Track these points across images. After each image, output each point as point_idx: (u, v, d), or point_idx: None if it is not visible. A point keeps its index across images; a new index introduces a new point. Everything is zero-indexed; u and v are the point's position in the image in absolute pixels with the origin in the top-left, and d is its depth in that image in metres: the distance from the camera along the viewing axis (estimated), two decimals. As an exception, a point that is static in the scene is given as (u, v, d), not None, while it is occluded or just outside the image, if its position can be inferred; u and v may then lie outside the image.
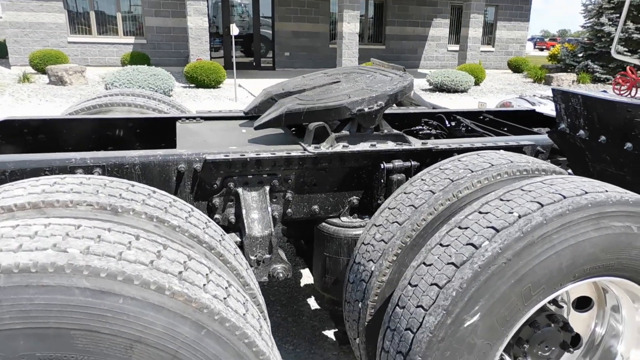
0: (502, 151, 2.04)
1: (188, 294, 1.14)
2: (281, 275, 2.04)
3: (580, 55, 16.15)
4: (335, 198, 2.22)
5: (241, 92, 12.39)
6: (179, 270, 1.19)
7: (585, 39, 16.64)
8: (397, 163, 2.13)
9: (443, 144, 2.25)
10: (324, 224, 2.23)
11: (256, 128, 2.31)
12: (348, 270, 2.01)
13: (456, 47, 21.07)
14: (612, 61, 14.97)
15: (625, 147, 1.87)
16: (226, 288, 1.31)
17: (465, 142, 2.31)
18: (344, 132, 2.17)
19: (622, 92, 4.30)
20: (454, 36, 21.45)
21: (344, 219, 2.24)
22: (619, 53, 5.73)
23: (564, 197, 1.49)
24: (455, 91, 13.13)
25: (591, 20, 15.67)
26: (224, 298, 1.25)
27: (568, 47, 17.51)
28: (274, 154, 2.03)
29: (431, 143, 2.22)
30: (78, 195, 1.42)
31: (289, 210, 2.15)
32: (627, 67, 4.34)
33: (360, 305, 1.85)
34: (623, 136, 1.88)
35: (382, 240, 1.83)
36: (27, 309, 1.01)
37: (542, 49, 50.43)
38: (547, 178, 1.64)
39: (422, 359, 1.42)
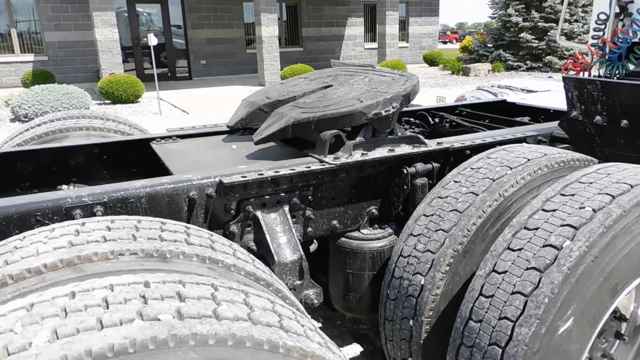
0: (525, 144, 2.02)
1: (301, 347, 0.97)
2: (315, 301, 1.88)
3: (490, 45, 17.12)
4: (355, 210, 2.09)
5: (163, 104, 11.85)
6: (277, 320, 1.02)
7: (483, 30, 17.67)
8: (420, 166, 2.05)
9: (457, 142, 2.19)
10: (343, 239, 2.10)
11: (257, 142, 2.13)
12: (385, 287, 1.89)
13: (373, 45, 21.59)
14: (521, 49, 16.02)
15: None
16: (314, 330, 1.15)
17: (476, 137, 2.27)
18: (359, 138, 2.05)
19: (569, 73, 4.59)
20: (370, 34, 21.97)
21: (364, 231, 2.12)
22: (565, 39, 6.11)
23: (632, 186, 1.47)
24: (382, 88, 13.36)
25: (499, 11, 16.66)
26: (325, 343, 1.09)
27: (479, 38, 18.52)
28: (294, 169, 1.87)
29: (446, 142, 2.16)
30: (115, 243, 1.19)
31: (310, 229, 2.00)
32: (577, 52, 4.59)
33: (411, 322, 1.74)
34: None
35: (428, 250, 1.74)
36: None
37: (445, 42, 53.05)
38: (599, 167, 1.63)
39: (520, 374, 1.34)
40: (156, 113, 10.86)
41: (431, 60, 19.67)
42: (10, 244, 1.21)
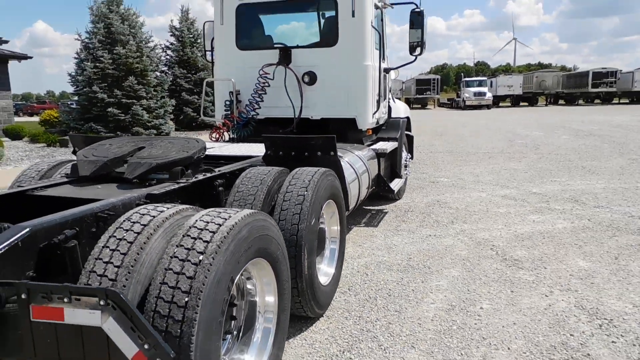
0: (259, 167, 4.51)
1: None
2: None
3: (78, 117, 18.91)
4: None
5: None
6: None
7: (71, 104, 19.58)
8: (220, 181, 4.23)
9: (224, 169, 4.48)
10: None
11: (133, 179, 3.84)
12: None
13: None
14: (110, 122, 18.50)
15: (305, 155, 4.74)
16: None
17: (227, 167, 4.59)
18: (190, 171, 4.08)
19: (214, 139, 7.31)
20: None
21: (197, 220, 4.11)
22: (205, 116, 8.62)
23: (315, 173, 4.19)
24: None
25: (85, 89, 18.65)
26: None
27: (64, 112, 19.93)
28: (175, 185, 3.75)
29: (222, 170, 4.42)
30: (187, 207, 3.01)
31: (178, 220, 3.87)
32: (218, 123, 7.30)
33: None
34: (301, 150, 4.74)
35: (247, 204, 3.95)
36: (258, 227, 2.86)
37: None
38: (297, 170, 4.29)
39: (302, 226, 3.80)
40: None
41: (14, 134, 19.71)
42: (138, 214, 2.81)
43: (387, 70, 8.16)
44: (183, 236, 2.56)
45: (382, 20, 7.95)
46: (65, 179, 4.10)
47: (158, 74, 22.09)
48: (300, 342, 3.97)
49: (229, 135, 7.55)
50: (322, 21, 7.92)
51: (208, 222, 2.67)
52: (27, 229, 2.56)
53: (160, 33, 75.84)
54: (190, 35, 26.91)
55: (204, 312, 2.33)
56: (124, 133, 18.63)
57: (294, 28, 8.52)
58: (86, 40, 19.67)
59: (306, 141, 4.80)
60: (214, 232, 2.58)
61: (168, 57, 26.94)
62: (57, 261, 2.69)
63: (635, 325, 4.10)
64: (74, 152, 5.40)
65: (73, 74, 19.36)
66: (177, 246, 2.51)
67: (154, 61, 20.86)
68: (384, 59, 8.03)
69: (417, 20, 7.67)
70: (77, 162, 4.13)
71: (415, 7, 7.69)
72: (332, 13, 7.21)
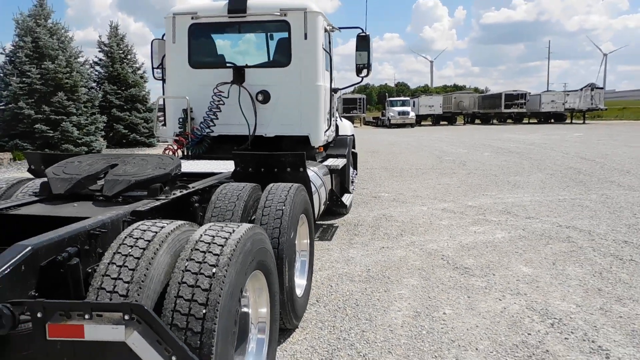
0: (233, 183, 4.55)
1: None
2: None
3: (2, 134, 17.83)
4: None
5: None
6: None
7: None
8: (197, 197, 4.22)
9: (198, 185, 4.47)
10: (166, 242, 4.00)
11: (113, 196, 3.77)
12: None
13: None
14: (37, 139, 17.57)
15: (275, 171, 4.82)
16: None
17: (200, 184, 4.59)
18: (167, 187, 4.05)
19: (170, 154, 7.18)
20: None
21: (174, 236, 4.08)
22: (156, 132, 8.43)
23: (290, 188, 4.29)
24: None
25: (10, 105, 17.62)
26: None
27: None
28: (158, 201, 3.72)
29: (196, 185, 4.41)
30: (185, 223, 3.02)
31: (159, 234, 3.83)
32: (173, 140, 7.19)
33: (226, 263, 3.96)
34: (271, 167, 4.82)
35: (227, 219, 3.98)
36: (258, 240, 2.92)
37: None
38: (271, 186, 4.37)
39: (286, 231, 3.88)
40: None
41: None
42: (140, 230, 2.79)
43: (335, 90, 8.41)
44: (192, 250, 2.59)
45: (329, 42, 8.20)
46: (35, 198, 3.94)
47: (87, 89, 21.31)
48: (281, 353, 4.02)
49: (183, 152, 7.48)
50: (275, 42, 8.06)
51: (214, 236, 2.71)
52: (29, 248, 2.49)
53: (80, 48, 73.07)
54: (121, 51, 26.15)
55: (221, 323, 2.37)
56: (53, 150, 17.78)
57: (247, 48, 8.61)
58: (11, 54, 18.67)
59: (276, 158, 4.89)
60: (222, 246, 2.63)
61: (97, 73, 26.02)
62: (58, 279, 2.63)
63: (582, 323, 4.47)
64: (30, 170, 5.20)
65: (-4, 91, 18.33)
66: (187, 260, 2.53)
67: (84, 76, 20.08)
68: (332, 79, 8.27)
69: (362, 43, 7.99)
70: (48, 180, 3.99)
71: (361, 31, 8.00)
72: (285, 35, 7.36)
